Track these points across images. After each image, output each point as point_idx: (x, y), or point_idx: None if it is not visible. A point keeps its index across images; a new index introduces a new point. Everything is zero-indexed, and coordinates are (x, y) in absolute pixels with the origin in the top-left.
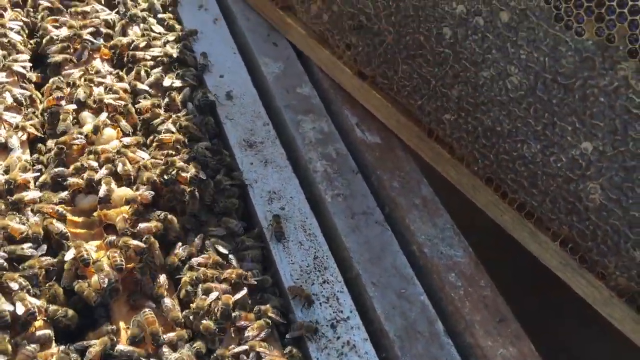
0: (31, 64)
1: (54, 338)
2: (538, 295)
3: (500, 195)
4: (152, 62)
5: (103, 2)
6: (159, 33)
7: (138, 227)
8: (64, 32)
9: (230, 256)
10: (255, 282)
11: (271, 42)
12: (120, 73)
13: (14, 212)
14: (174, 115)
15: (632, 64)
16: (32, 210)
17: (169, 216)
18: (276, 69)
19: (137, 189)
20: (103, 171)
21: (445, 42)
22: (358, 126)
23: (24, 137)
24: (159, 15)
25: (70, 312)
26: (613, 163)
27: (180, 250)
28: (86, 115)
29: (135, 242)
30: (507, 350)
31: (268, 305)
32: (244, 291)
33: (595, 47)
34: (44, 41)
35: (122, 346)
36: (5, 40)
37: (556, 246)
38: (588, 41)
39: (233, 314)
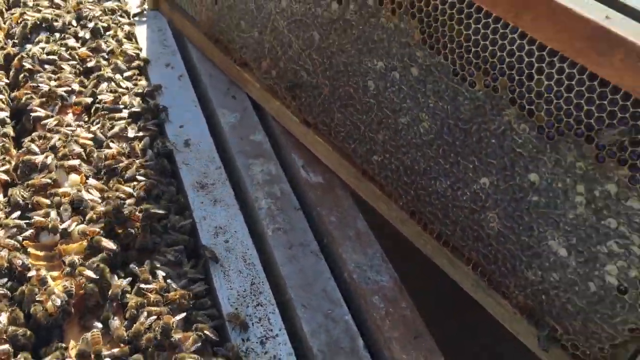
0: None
1: (12, 353)
2: (457, 318)
3: (422, 226)
4: (117, 115)
5: (78, 59)
6: (126, 88)
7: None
8: (43, 88)
9: (169, 280)
10: (191, 305)
11: (230, 95)
12: (90, 125)
13: None
14: (137, 162)
15: (513, 110)
16: None
17: (95, 238)
18: (233, 119)
19: (89, 224)
20: (65, 211)
21: (369, 93)
22: (304, 168)
23: None
24: (126, 74)
25: (29, 332)
26: (505, 195)
27: (120, 281)
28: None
29: (88, 272)
30: None
31: (206, 324)
32: (184, 314)
33: (485, 97)
34: (23, 98)
35: None
36: None
37: (469, 270)
38: (479, 92)
39: (173, 337)
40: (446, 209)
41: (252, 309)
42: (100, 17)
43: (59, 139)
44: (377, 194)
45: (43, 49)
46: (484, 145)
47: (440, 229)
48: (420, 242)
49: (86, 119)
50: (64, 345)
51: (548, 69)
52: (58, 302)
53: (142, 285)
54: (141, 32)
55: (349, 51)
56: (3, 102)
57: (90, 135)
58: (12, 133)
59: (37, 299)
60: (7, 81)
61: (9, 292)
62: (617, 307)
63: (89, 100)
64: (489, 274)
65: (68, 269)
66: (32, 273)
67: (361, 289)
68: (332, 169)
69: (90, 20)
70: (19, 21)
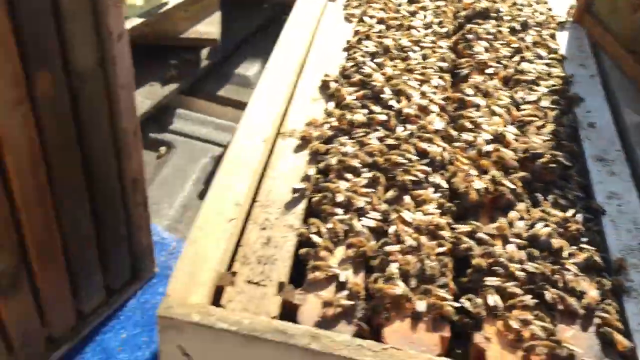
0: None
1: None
2: None
3: None
4: (535, 87)
5: (507, 42)
6: (543, 72)
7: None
8: (478, 57)
9: (573, 211)
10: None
11: (638, 101)
12: (509, 91)
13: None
14: (549, 124)
15: None
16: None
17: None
18: (638, 119)
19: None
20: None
21: None
22: None
23: (437, 108)
24: (544, 61)
25: (453, 207)
26: None
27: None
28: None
29: (506, 182)
30: None
31: (597, 253)
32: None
33: None
34: (462, 61)
35: (481, 234)
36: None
37: None
38: None
39: (563, 250)
40: None
41: (637, 261)
42: (531, 16)
43: (486, 91)
44: None
45: (483, 29)
46: None
47: None
48: None
49: (506, 87)
50: (477, 223)
51: None
52: (476, 193)
53: (543, 208)
54: (561, 36)
55: None
56: (448, 61)
57: (509, 95)
58: (449, 79)
59: (462, 187)
60: (451, 45)
61: (430, 169)
62: None
63: (511, 72)
64: None
65: (489, 177)
66: (460, 169)
67: None
68: None
69: (522, 17)
70: (466, 8)
